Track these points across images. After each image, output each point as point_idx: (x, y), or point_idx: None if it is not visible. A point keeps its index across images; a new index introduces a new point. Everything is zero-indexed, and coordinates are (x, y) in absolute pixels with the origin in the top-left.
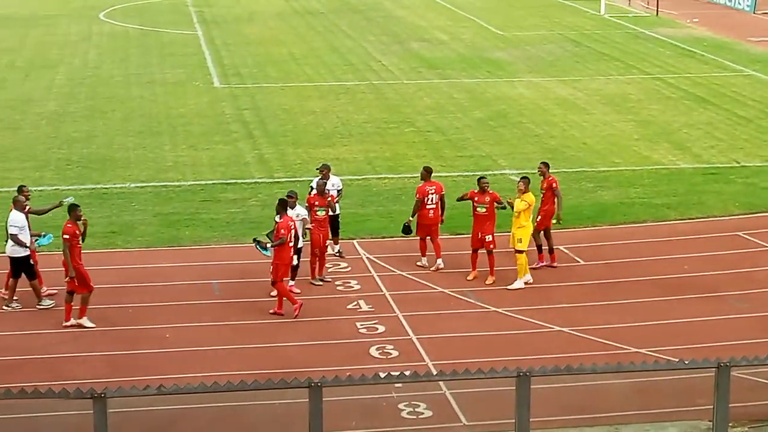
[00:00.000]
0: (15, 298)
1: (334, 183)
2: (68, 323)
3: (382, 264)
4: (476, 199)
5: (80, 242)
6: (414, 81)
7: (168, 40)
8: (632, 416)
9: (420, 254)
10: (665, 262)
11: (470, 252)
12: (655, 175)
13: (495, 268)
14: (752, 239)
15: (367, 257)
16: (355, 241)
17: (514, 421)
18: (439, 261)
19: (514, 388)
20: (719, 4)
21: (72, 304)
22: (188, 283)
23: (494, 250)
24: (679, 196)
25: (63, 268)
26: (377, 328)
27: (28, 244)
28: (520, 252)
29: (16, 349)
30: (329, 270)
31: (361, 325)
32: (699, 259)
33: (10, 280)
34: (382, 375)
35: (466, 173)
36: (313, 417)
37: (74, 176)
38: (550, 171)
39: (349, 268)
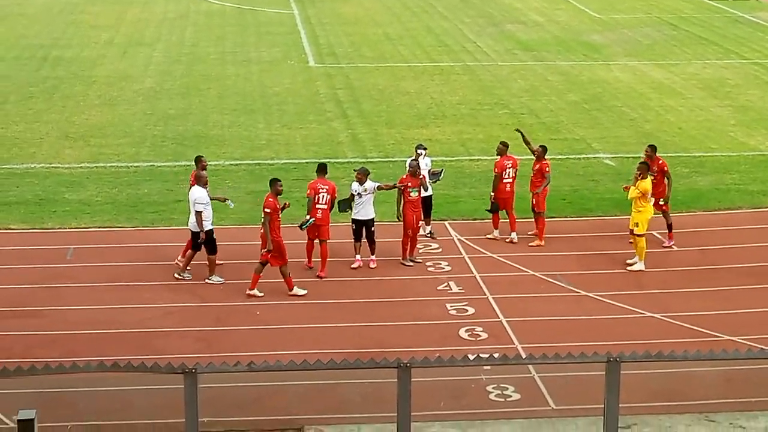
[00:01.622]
0: (188, 269)
1: (426, 164)
2: (251, 292)
3: (474, 246)
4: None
5: (279, 216)
6: (508, 63)
7: (264, 18)
8: (722, 404)
9: (493, 227)
10: (760, 249)
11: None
12: (752, 162)
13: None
14: None
15: (459, 239)
16: (446, 223)
17: (602, 406)
18: (514, 234)
19: (604, 373)
20: None
21: (259, 275)
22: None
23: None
24: None
25: (260, 241)
26: (467, 310)
27: (211, 219)
28: (639, 236)
29: (108, 323)
30: (420, 251)
31: (451, 306)
32: None
33: (189, 251)
34: (471, 357)
35: (560, 156)
36: (401, 397)
37: (169, 153)
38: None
39: (441, 250)
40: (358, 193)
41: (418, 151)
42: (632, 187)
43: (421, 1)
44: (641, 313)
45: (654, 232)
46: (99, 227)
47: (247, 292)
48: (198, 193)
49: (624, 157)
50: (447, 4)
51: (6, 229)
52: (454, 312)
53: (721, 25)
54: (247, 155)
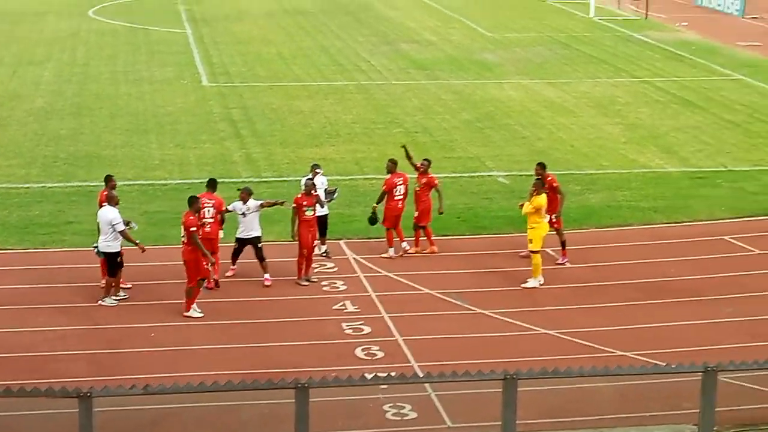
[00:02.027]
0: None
1: (322, 182)
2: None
3: (369, 265)
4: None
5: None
6: (402, 82)
7: (157, 38)
8: (617, 420)
9: (388, 245)
10: (652, 265)
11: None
12: (642, 179)
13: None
14: (738, 243)
15: (354, 258)
16: (341, 242)
17: (498, 423)
18: (404, 244)
19: (500, 390)
20: (708, 8)
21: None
22: (174, 282)
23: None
24: (666, 199)
25: (182, 261)
26: (363, 329)
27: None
28: (533, 252)
29: (3, 347)
30: (315, 270)
31: (347, 325)
32: (685, 263)
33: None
34: (369, 376)
35: (453, 174)
36: (299, 418)
37: (61, 174)
38: (546, 171)
39: (336, 269)
40: (242, 213)
41: (317, 170)
42: (526, 203)
43: (315, 21)
44: (536, 330)
45: (548, 249)
46: None
47: (184, 314)
48: (112, 214)
49: (517, 175)
50: (340, 24)
51: None
52: (350, 331)
53: (612, 44)
54: (140, 175)
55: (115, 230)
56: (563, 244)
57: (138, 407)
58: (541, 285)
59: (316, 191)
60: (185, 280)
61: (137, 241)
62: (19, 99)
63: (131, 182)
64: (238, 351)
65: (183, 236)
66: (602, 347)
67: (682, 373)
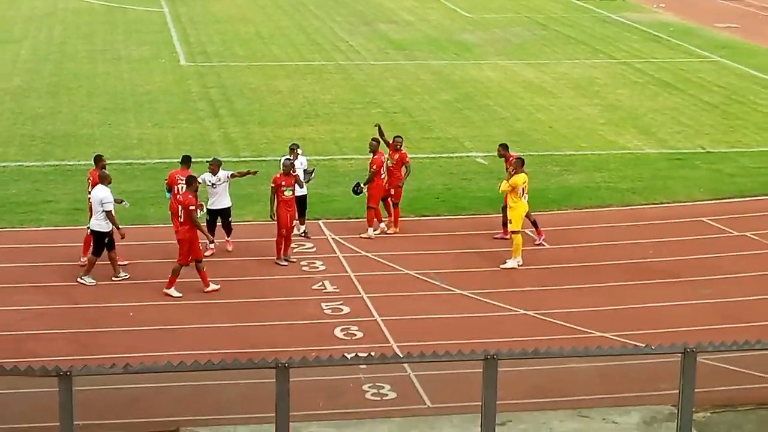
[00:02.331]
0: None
1: (301, 162)
2: (168, 291)
3: (348, 245)
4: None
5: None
6: (381, 62)
7: (134, 16)
8: (596, 400)
9: (368, 224)
10: (630, 246)
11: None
12: (621, 160)
13: None
14: (716, 225)
15: (333, 238)
16: (320, 222)
17: (479, 403)
18: (382, 224)
19: (480, 370)
20: None
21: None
22: (153, 261)
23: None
24: (644, 180)
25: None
26: (342, 309)
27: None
28: (513, 232)
29: None
30: (294, 250)
31: (326, 305)
32: (663, 244)
33: (110, 253)
34: (349, 356)
35: (432, 155)
36: (280, 397)
37: (38, 152)
38: (509, 151)
39: (315, 249)
40: (212, 183)
41: (297, 151)
42: (504, 181)
43: (293, 0)
44: (516, 311)
45: (527, 231)
46: None
47: (164, 291)
48: (104, 193)
49: (496, 156)
50: (318, 3)
51: None
52: (329, 311)
53: (590, 25)
54: (118, 154)
55: (104, 209)
56: (534, 224)
57: (118, 386)
58: (520, 266)
59: (295, 171)
60: (175, 259)
61: (120, 226)
62: None
63: (109, 161)
64: (218, 330)
65: (181, 216)
66: (582, 328)
67: (661, 354)
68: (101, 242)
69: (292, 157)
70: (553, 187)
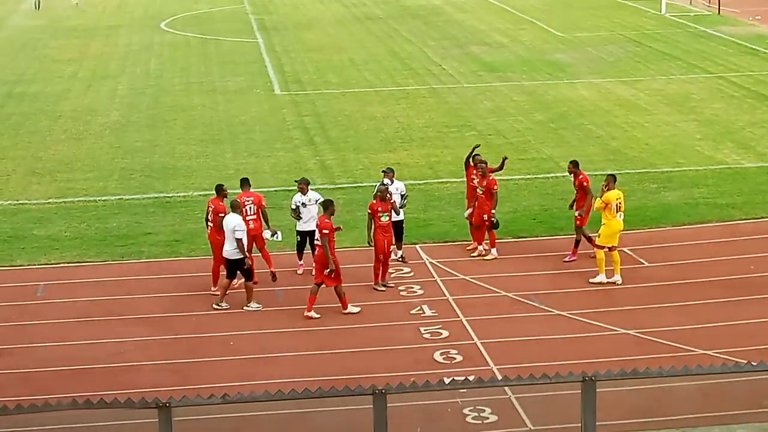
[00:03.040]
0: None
1: (398, 188)
2: (308, 314)
3: (445, 268)
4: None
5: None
6: (474, 84)
7: (228, 48)
8: (699, 419)
9: (492, 246)
10: (731, 262)
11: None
12: (719, 175)
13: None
14: None
15: (430, 262)
16: (417, 246)
17: (579, 425)
18: (490, 249)
19: (580, 392)
20: None
21: (315, 296)
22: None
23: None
24: (743, 195)
25: (314, 264)
26: (441, 333)
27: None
28: (598, 247)
29: (81, 359)
30: (392, 275)
31: (425, 330)
32: (765, 259)
33: (225, 280)
34: (447, 381)
35: (528, 176)
36: (377, 424)
37: (137, 185)
38: (579, 168)
39: (412, 273)
40: (303, 203)
41: (390, 175)
42: (597, 199)
43: (385, 26)
44: (615, 331)
45: (626, 249)
46: (68, 263)
47: (305, 314)
48: (236, 220)
49: (592, 175)
50: (411, 28)
51: None
52: (428, 335)
53: (684, 41)
54: (215, 185)
55: (236, 237)
56: (576, 242)
57: (217, 416)
58: (617, 284)
59: (391, 197)
60: (268, 288)
61: (247, 254)
62: (95, 113)
63: (207, 192)
64: (316, 357)
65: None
66: (683, 346)
67: (764, 372)
68: (235, 268)
69: (387, 182)
70: (651, 205)
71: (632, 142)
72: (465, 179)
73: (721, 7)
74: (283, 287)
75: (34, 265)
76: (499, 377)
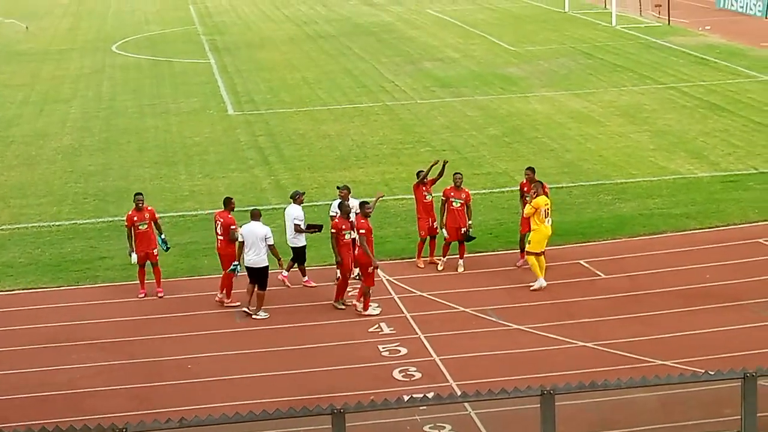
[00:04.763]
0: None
1: (353, 205)
2: (367, 312)
3: (402, 285)
4: (452, 194)
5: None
6: (427, 100)
7: (180, 69)
8: (659, 430)
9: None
10: (687, 272)
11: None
12: (673, 185)
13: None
14: None
15: (387, 279)
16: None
17: None
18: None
19: (539, 406)
20: (730, 10)
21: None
22: (208, 312)
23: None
24: (698, 205)
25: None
26: (399, 351)
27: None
28: (529, 254)
29: (38, 386)
30: (349, 293)
31: (384, 347)
32: (721, 268)
33: (253, 289)
34: (406, 398)
35: (483, 191)
36: None
37: (91, 209)
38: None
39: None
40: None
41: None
42: (527, 205)
43: (338, 44)
44: (573, 343)
45: (582, 261)
46: (23, 289)
47: (363, 312)
48: (263, 229)
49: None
50: (363, 45)
51: None
52: (386, 353)
53: (635, 52)
54: (170, 207)
55: (266, 244)
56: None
57: None
58: (541, 287)
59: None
60: (224, 311)
61: (281, 257)
62: (47, 137)
63: (162, 214)
64: (275, 378)
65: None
66: (641, 357)
67: (721, 380)
68: (265, 276)
69: (345, 200)
70: (606, 216)
71: (586, 154)
72: (415, 197)
73: (671, 18)
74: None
75: None
76: (459, 393)
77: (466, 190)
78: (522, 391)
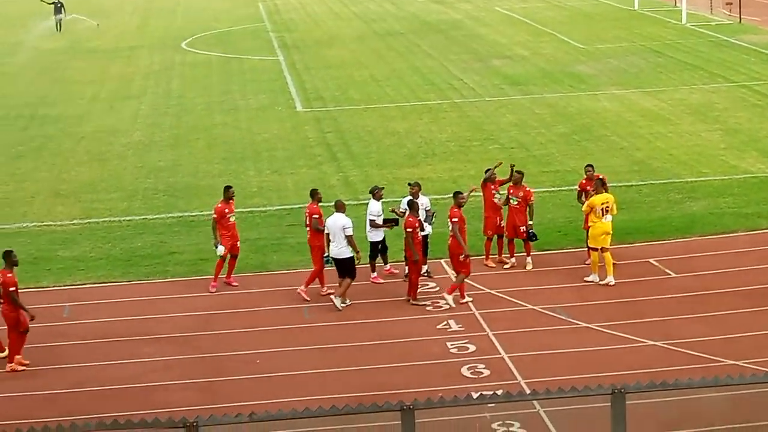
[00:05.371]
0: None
1: (422, 203)
2: (465, 300)
3: (471, 282)
4: (511, 192)
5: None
6: (496, 98)
7: (249, 66)
8: (730, 430)
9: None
10: (758, 272)
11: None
12: (745, 184)
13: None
14: None
15: (455, 276)
16: (442, 261)
17: None
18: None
19: (609, 404)
20: None
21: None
22: (277, 307)
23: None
24: None
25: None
26: (468, 348)
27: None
28: (590, 249)
29: (108, 379)
30: (419, 290)
31: (452, 344)
32: None
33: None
34: (475, 395)
35: (552, 189)
36: None
37: (161, 205)
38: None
39: (438, 288)
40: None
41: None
42: (585, 204)
43: (406, 41)
44: (643, 342)
45: (651, 260)
46: (94, 283)
47: (462, 301)
48: (344, 220)
49: (617, 186)
50: (432, 43)
51: None
52: (455, 350)
53: (706, 50)
54: (239, 203)
55: (346, 235)
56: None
57: None
58: (601, 283)
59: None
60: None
61: (358, 249)
62: (118, 133)
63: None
64: (343, 375)
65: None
66: (712, 357)
67: None
68: (352, 265)
69: (415, 197)
70: (676, 215)
71: (656, 152)
72: (483, 195)
73: (742, 16)
74: (309, 305)
75: (60, 286)
76: (528, 391)
77: (527, 188)
78: (592, 390)
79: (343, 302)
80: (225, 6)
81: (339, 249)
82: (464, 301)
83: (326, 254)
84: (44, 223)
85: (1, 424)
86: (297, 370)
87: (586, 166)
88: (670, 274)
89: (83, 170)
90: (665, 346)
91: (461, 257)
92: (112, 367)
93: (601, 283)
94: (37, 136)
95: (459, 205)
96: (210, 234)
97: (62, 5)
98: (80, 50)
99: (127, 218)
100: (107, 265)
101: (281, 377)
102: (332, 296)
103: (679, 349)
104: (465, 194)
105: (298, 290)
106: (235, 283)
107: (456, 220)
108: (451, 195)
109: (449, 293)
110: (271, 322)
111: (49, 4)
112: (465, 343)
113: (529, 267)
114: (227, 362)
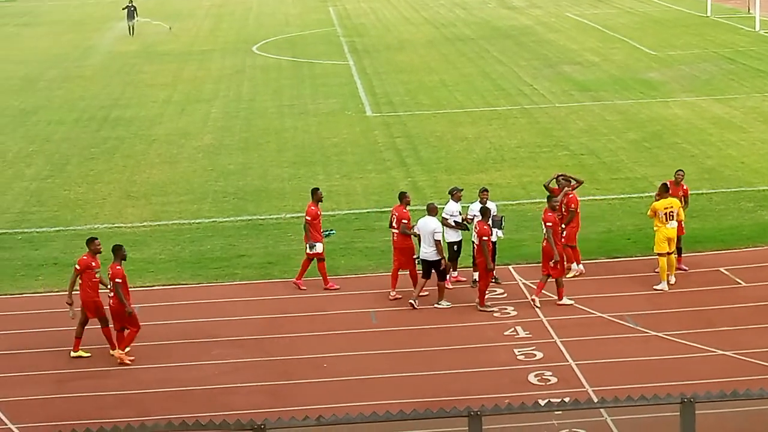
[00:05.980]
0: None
1: (491, 208)
2: (561, 302)
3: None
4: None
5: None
6: (566, 104)
7: (320, 70)
8: None
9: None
10: None
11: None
12: None
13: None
14: None
15: (523, 283)
16: (510, 267)
17: None
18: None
19: (678, 414)
20: None
21: (544, 284)
22: (345, 312)
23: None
24: None
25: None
26: (535, 354)
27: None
28: (660, 256)
29: (178, 380)
30: (486, 297)
31: (519, 351)
32: None
33: (421, 279)
34: (542, 402)
35: (622, 195)
36: None
37: (231, 208)
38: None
39: (506, 294)
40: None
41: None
42: (650, 207)
43: (476, 47)
44: (713, 352)
45: (722, 269)
46: (163, 285)
47: (558, 302)
48: (435, 224)
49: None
50: (502, 49)
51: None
52: (522, 357)
53: None
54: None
55: (435, 239)
56: (678, 251)
57: None
58: (663, 290)
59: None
60: (361, 310)
61: (443, 256)
62: (189, 136)
63: (300, 214)
64: (410, 380)
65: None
66: None
67: None
68: (439, 268)
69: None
70: (747, 224)
71: (727, 160)
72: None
73: None
74: (377, 309)
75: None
76: (595, 399)
77: (574, 196)
78: (661, 399)
79: (447, 303)
80: (296, 10)
81: (427, 251)
82: (533, 298)
83: (416, 255)
84: (115, 225)
85: (75, 423)
86: (364, 375)
87: (677, 171)
88: (740, 284)
89: (154, 173)
90: (735, 355)
91: (551, 262)
92: (181, 368)
93: (657, 287)
94: (109, 138)
95: (552, 209)
96: (302, 235)
97: (135, 10)
98: (153, 54)
99: (197, 221)
100: (176, 268)
101: (348, 381)
102: (435, 304)
103: (750, 359)
104: (558, 198)
105: (408, 301)
106: (303, 287)
107: (550, 224)
108: (545, 199)
109: (543, 293)
110: (339, 326)
111: (123, 9)
112: (532, 350)
113: (570, 274)
114: (295, 366)
